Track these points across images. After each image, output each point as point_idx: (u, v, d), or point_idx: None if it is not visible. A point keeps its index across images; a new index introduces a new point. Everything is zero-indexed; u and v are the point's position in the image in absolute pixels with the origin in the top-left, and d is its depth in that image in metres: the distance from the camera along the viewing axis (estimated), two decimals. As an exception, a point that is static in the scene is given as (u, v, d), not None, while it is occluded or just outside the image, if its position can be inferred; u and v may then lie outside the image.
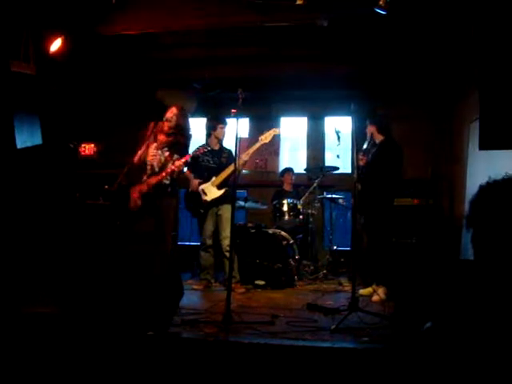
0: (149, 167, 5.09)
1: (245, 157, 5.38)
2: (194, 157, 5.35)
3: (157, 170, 5.07)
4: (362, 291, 5.12)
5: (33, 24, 5.19)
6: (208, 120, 5.98)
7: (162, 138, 5.16)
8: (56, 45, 5.40)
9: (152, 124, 5.05)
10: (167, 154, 5.09)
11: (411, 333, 1.45)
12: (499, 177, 1.37)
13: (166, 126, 5.11)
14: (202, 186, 5.63)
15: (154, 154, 5.12)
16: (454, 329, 1.29)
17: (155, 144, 5.16)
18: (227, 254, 5.34)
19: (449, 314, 1.35)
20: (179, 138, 5.14)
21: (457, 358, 1.23)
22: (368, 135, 5.45)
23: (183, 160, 5.00)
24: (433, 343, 1.30)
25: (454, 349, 1.24)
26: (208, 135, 5.89)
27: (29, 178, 5.38)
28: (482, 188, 1.38)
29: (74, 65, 6.00)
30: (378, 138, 5.36)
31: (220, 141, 5.85)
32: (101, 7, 5.14)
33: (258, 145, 5.49)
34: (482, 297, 1.31)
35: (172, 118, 5.12)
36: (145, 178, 5.04)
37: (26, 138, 5.13)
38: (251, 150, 5.47)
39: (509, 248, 1.29)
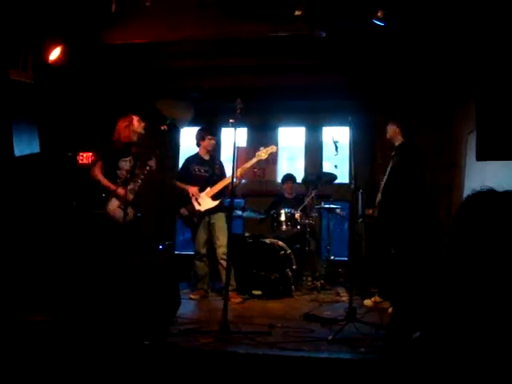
0: (123, 172, 5.03)
1: (239, 172, 5.27)
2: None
3: (128, 175, 4.97)
4: (366, 302, 5.09)
5: (31, 32, 5.20)
6: (198, 130, 5.98)
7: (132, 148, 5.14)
8: (55, 53, 5.41)
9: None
10: (133, 163, 5.04)
11: (405, 342, 1.44)
12: (475, 191, 1.33)
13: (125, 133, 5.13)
14: (196, 196, 5.61)
15: (124, 160, 5.06)
16: (442, 337, 1.28)
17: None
18: (222, 262, 5.32)
19: (437, 322, 1.34)
20: (138, 149, 5.10)
21: (446, 366, 1.22)
22: (388, 135, 5.21)
23: (150, 163, 4.96)
24: (422, 352, 1.28)
25: (443, 357, 1.24)
26: (197, 145, 5.91)
27: (26, 186, 5.36)
28: (461, 205, 1.35)
29: (72, 73, 6.01)
30: (398, 141, 5.11)
31: (209, 151, 5.87)
32: (100, 16, 5.17)
33: (254, 160, 5.50)
34: (469, 307, 1.30)
35: (129, 127, 5.14)
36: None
37: (24, 146, 5.13)
38: (247, 166, 5.49)
39: (488, 266, 1.26)
